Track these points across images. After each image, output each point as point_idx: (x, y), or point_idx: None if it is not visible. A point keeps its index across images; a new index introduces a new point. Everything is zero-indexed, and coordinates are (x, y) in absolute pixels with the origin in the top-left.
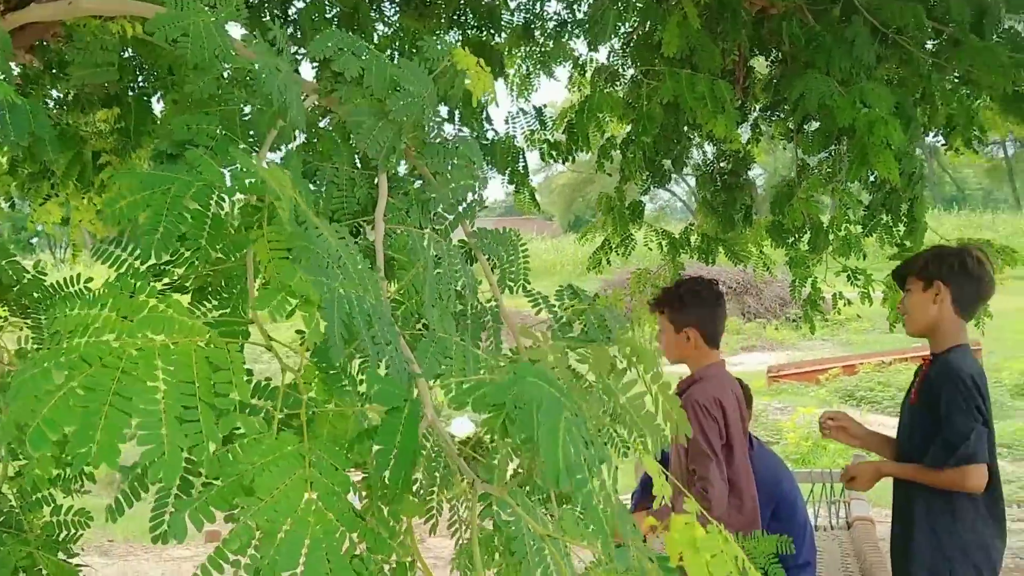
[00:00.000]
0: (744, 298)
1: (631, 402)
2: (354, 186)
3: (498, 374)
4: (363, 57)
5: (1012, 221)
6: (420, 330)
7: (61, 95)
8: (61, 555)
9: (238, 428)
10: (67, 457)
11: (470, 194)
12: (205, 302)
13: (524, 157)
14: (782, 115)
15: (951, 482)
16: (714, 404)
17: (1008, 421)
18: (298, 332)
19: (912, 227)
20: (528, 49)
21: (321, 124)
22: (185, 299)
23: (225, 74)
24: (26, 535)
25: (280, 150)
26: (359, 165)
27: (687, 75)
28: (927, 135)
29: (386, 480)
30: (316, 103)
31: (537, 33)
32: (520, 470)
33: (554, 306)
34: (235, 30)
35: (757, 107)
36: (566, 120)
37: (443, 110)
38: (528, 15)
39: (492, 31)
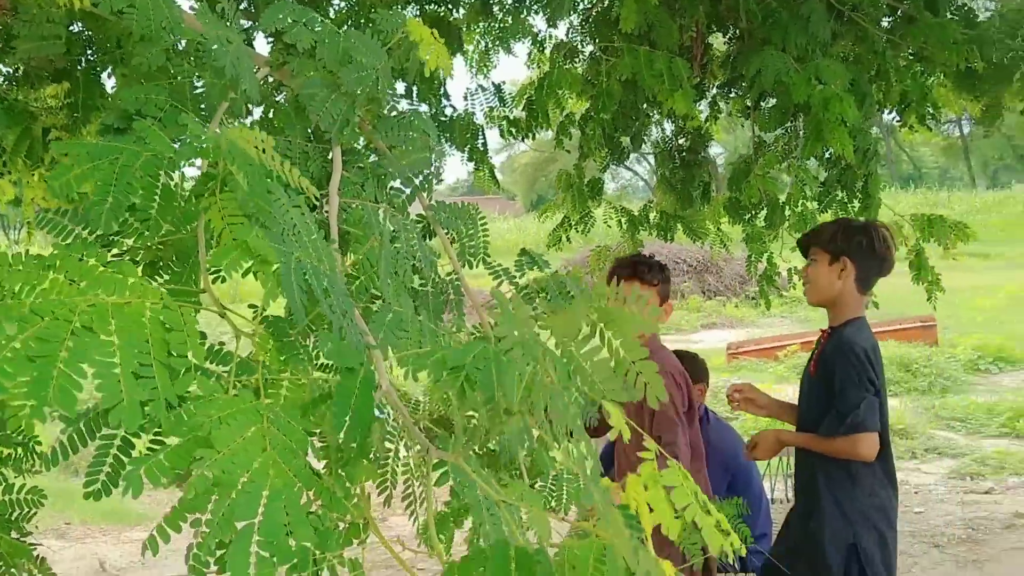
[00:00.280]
0: (704, 276)
1: (595, 367)
2: (308, 160)
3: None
4: (315, 29)
5: (967, 199)
6: (373, 304)
7: (10, 70)
8: (14, 534)
9: (193, 388)
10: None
11: (426, 167)
12: (157, 276)
13: (483, 134)
14: (739, 92)
15: (843, 451)
16: (679, 372)
17: (961, 396)
18: (251, 307)
19: (867, 203)
20: (487, 25)
21: (278, 99)
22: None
23: (176, 47)
24: None
25: (234, 124)
26: (312, 139)
27: (645, 52)
28: (882, 112)
29: (339, 442)
30: (268, 76)
31: (496, 9)
32: (476, 442)
33: (515, 277)
34: (184, 2)
35: (715, 84)
36: (525, 97)
37: (400, 87)
38: None
39: (450, 6)
